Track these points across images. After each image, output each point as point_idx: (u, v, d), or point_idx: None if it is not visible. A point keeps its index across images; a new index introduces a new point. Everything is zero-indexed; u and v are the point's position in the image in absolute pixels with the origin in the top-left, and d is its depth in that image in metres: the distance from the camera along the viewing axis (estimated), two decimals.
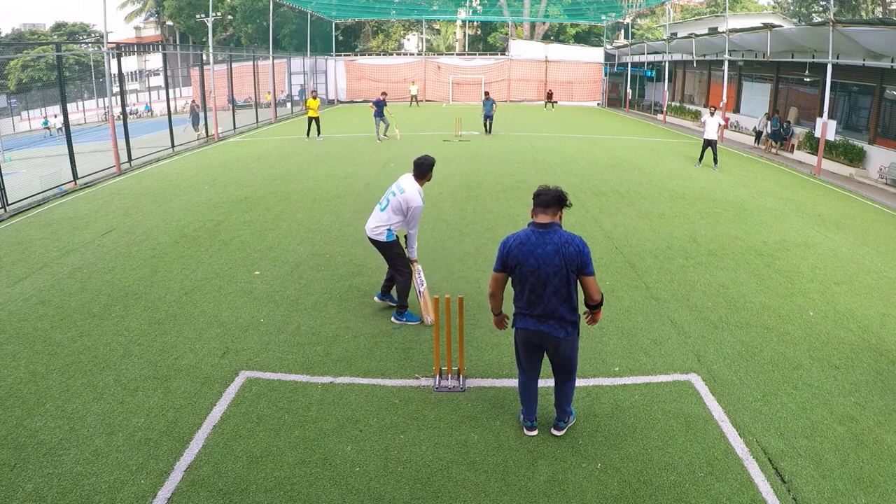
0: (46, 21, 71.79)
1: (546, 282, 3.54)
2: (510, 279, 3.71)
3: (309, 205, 10.36)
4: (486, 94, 21.66)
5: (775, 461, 3.77)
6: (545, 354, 3.82)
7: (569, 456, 3.80)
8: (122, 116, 15.52)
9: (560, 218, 3.69)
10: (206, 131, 19.99)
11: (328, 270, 7.13)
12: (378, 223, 5.38)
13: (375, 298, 6.00)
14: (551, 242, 3.52)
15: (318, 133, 19.00)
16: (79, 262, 7.44)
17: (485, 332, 5.49)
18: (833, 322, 5.87)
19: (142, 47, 45.47)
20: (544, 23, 42.72)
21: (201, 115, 20.66)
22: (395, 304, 5.81)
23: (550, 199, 3.60)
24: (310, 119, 18.82)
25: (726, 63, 20.83)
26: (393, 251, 5.46)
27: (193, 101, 22.32)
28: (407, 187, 5.31)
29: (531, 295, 3.61)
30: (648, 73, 33.27)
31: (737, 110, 23.38)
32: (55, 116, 30.94)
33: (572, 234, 3.61)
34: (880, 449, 3.88)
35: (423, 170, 5.38)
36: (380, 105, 18.46)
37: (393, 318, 5.66)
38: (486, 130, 20.34)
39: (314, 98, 19.16)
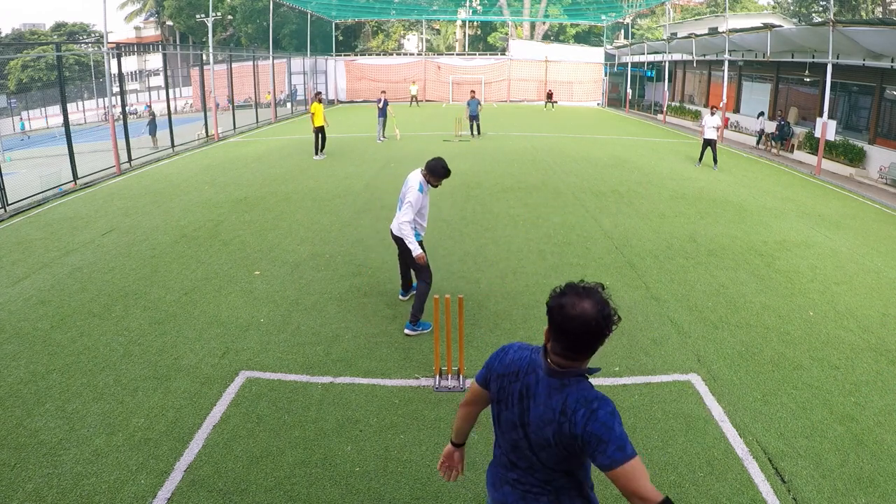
0: (46, 21, 71.69)
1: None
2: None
3: (309, 205, 10.36)
4: (472, 93, 20.61)
5: (775, 461, 3.77)
6: None
7: None
8: (122, 116, 15.52)
9: None
10: (206, 131, 19.97)
11: (328, 270, 7.13)
12: (398, 221, 5.37)
13: (400, 297, 6.12)
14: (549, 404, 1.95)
15: (321, 149, 15.34)
16: (79, 262, 7.44)
17: (485, 332, 5.49)
18: (833, 322, 5.87)
19: (142, 47, 45.45)
20: (544, 23, 42.74)
21: (203, 120, 20.53)
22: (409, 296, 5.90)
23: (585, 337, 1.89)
24: (315, 130, 15.19)
25: (726, 63, 20.83)
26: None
27: (150, 108, 20.96)
28: (410, 178, 5.41)
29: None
30: (648, 73, 33.28)
31: (737, 110, 23.38)
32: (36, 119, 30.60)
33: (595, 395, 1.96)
34: (880, 449, 3.88)
35: (429, 168, 5.34)
36: (383, 104, 18.52)
37: (406, 331, 5.45)
38: (472, 133, 19.66)
39: (318, 101, 15.57)
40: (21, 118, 33.56)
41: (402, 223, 5.24)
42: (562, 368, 1.94)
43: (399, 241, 5.44)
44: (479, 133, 19.80)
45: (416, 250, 5.27)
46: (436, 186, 5.44)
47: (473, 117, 19.56)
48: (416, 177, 5.37)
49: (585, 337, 1.88)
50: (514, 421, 2.04)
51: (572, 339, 1.89)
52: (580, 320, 1.85)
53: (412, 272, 5.88)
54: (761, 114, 20.15)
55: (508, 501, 2.15)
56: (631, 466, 1.84)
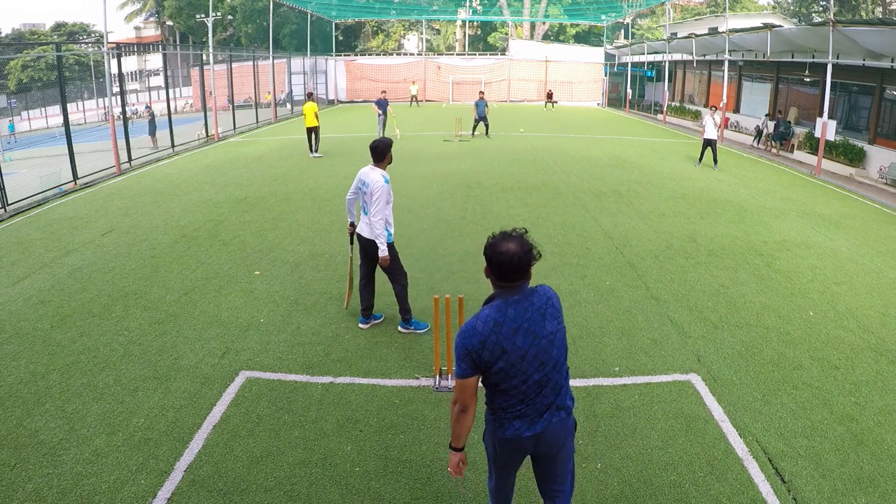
0: (46, 21, 71.74)
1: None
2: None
3: (309, 205, 10.36)
4: (481, 94, 20.40)
5: (775, 461, 3.77)
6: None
7: None
8: (122, 116, 15.51)
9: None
10: (206, 131, 19.97)
11: (328, 270, 7.13)
12: (371, 220, 5.11)
13: (360, 325, 5.61)
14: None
15: (315, 147, 15.76)
16: (79, 262, 7.44)
17: None
18: (833, 322, 5.87)
19: (142, 47, 45.46)
20: (544, 23, 42.75)
21: (201, 121, 20.49)
22: (379, 321, 5.70)
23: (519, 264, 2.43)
24: (308, 130, 15.63)
25: (726, 63, 20.83)
26: (389, 254, 5.22)
27: (148, 107, 20.87)
28: (368, 178, 5.08)
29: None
30: (648, 73, 33.27)
31: (737, 110, 23.38)
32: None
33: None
34: (880, 449, 3.88)
35: (378, 153, 5.15)
36: (382, 105, 18.56)
37: (400, 328, 5.50)
38: (473, 133, 19.51)
39: (311, 101, 15.91)
40: (10, 120, 33.17)
41: (377, 221, 5.03)
42: (512, 289, 2.47)
43: (367, 247, 5.24)
44: (486, 134, 19.59)
45: (383, 251, 5.13)
46: (391, 163, 5.27)
47: (482, 118, 19.24)
48: (373, 172, 5.08)
49: (512, 266, 2.42)
50: (520, 354, 2.44)
51: (503, 269, 2.43)
52: (507, 255, 2.40)
53: (374, 288, 5.56)
54: (767, 115, 20.09)
55: (521, 434, 2.53)
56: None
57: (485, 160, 14.94)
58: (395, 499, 3.44)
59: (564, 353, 2.55)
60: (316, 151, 15.72)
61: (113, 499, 3.40)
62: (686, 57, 25.65)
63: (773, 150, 18.58)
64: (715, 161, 14.70)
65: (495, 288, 2.53)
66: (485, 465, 3.67)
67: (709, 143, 14.61)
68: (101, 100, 36.43)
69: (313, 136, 15.62)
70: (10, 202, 10.54)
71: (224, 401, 4.40)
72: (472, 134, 19.71)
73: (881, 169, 14.38)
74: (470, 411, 2.54)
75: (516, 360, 2.44)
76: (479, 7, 43.08)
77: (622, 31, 43.12)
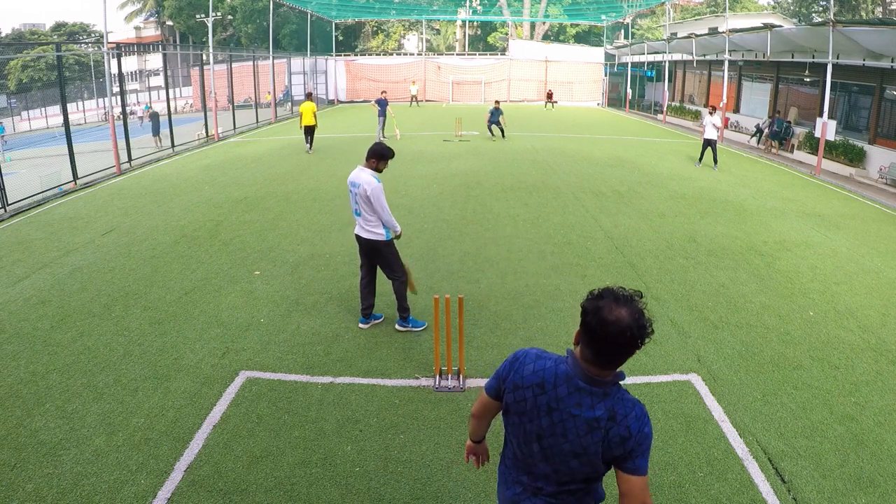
0: (46, 21, 71.82)
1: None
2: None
3: (309, 205, 10.36)
4: (497, 102, 20.25)
5: (775, 461, 3.77)
6: None
7: None
8: (122, 116, 15.51)
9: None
10: (206, 131, 19.96)
11: (328, 270, 7.13)
12: (368, 226, 5.19)
13: (360, 325, 5.60)
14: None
15: (310, 144, 16.24)
16: (79, 262, 7.44)
17: (485, 332, 5.49)
18: (833, 322, 5.87)
19: (142, 47, 45.47)
20: (544, 23, 42.76)
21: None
22: (379, 321, 5.70)
23: (624, 344, 1.84)
24: (304, 128, 16.10)
25: (726, 63, 20.83)
26: (389, 251, 5.28)
27: (150, 107, 20.87)
28: (359, 179, 5.08)
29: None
30: (648, 73, 33.27)
31: (737, 110, 23.38)
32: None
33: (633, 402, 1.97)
34: (880, 449, 3.88)
35: (378, 155, 5.12)
36: (382, 104, 18.59)
37: (397, 326, 5.52)
38: (492, 134, 19.55)
39: (310, 101, 16.22)
40: (1, 122, 32.94)
41: (386, 221, 5.12)
42: (597, 377, 1.87)
43: (368, 248, 5.30)
44: (492, 134, 19.56)
45: (398, 230, 5.26)
46: (383, 170, 5.25)
47: (494, 123, 19.27)
48: (365, 174, 5.08)
49: (618, 344, 1.80)
50: (538, 433, 1.96)
51: (604, 345, 1.81)
52: (616, 327, 1.77)
53: (375, 291, 5.59)
54: (770, 117, 20.05)
55: (520, 501, 2.10)
56: (646, 479, 1.95)
57: (485, 160, 14.94)
58: (395, 499, 3.44)
59: (591, 475, 2.03)
60: (310, 148, 16.24)
61: (113, 499, 3.40)
62: (686, 57, 25.66)
63: (773, 150, 18.59)
64: (715, 161, 14.70)
65: (581, 357, 1.88)
66: (486, 466, 3.68)
67: (709, 144, 14.61)
68: (101, 100, 36.41)
69: (309, 134, 16.19)
70: (10, 202, 10.54)
71: (224, 401, 4.40)
72: (503, 136, 19.58)
73: (881, 169, 14.38)
74: (479, 421, 2.26)
75: (531, 434, 1.96)
76: (479, 7, 43.10)
77: (622, 31, 43.09)
